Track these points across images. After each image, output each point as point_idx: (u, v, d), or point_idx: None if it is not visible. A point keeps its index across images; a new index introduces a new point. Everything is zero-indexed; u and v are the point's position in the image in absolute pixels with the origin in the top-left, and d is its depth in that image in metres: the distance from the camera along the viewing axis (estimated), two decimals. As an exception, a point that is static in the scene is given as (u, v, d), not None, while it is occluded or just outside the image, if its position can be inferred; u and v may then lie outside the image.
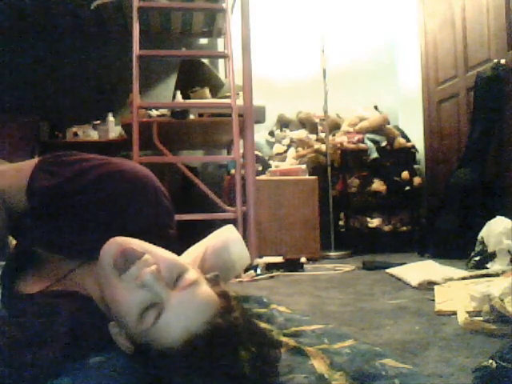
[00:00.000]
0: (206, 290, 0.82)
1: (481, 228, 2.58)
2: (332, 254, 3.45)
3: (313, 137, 4.05)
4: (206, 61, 3.84)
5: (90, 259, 0.94)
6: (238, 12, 3.17)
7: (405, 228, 3.76)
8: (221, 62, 4.39)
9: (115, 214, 0.99)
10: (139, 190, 1.00)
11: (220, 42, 4.54)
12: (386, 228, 3.73)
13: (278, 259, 2.91)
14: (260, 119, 3.40)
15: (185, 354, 0.75)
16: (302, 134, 4.11)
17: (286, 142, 4.13)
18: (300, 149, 3.99)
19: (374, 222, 3.71)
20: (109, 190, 0.98)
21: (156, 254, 0.85)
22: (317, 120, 4.14)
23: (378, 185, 3.73)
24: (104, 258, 0.85)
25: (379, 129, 3.87)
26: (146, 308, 0.78)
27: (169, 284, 0.80)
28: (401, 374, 0.94)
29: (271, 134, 4.29)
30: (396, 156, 3.83)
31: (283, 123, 4.30)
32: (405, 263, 2.64)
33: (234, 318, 0.80)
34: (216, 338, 0.76)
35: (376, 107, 4.20)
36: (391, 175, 3.77)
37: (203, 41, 4.61)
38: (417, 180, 3.82)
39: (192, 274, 0.82)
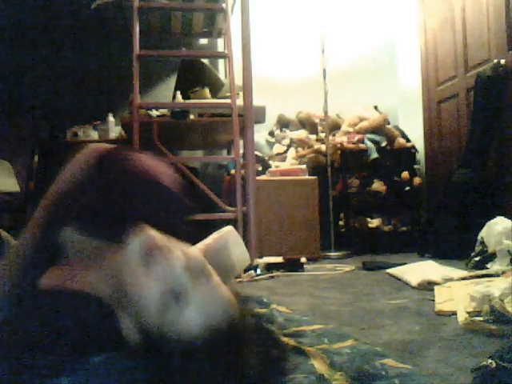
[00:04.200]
0: (225, 289, 0.84)
1: (481, 228, 2.58)
2: (332, 254, 3.45)
3: (313, 137, 4.05)
4: (206, 61, 3.84)
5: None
6: (238, 12, 3.17)
7: (405, 228, 3.75)
8: (221, 62, 4.39)
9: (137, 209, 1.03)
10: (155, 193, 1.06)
11: (220, 42, 4.54)
12: (386, 228, 3.72)
13: (278, 259, 2.91)
14: (260, 119, 3.40)
15: (201, 349, 0.76)
16: (301, 134, 4.11)
17: (286, 142, 4.12)
18: (300, 149, 3.99)
19: (374, 222, 3.71)
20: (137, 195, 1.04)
21: (182, 249, 0.87)
22: (317, 120, 4.14)
23: (378, 185, 3.72)
24: (135, 245, 0.86)
25: (379, 129, 3.87)
26: (170, 298, 0.79)
27: (194, 278, 0.81)
28: (401, 374, 0.94)
29: (271, 134, 4.29)
30: (396, 156, 3.82)
31: (283, 123, 4.29)
32: (405, 263, 2.64)
33: (249, 320, 0.82)
34: (234, 338, 0.77)
35: (376, 107, 4.20)
36: (391, 175, 3.77)
37: (203, 41, 4.61)
38: (417, 180, 3.82)
39: (213, 272, 0.85)
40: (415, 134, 4.08)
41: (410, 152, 3.89)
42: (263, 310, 1.49)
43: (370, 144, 3.76)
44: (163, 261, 0.82)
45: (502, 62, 3.02)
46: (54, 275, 1.03)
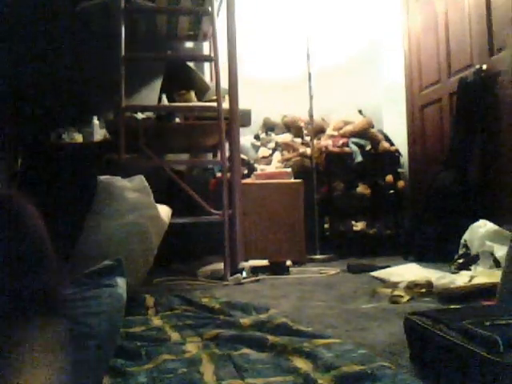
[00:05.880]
0: None
1: (464, 231, 2.61)
2: (317, 257, 3.46)
3: (298, 140, 4.07)
4: (191, 64, 3.83)
5: None
6: (224, 15, 3.17)
7: (389, 231, 3.78)
8: (206, 65, 4.39)
9: None
10: None
11: (206, 45, 4.54)
12: (371, 231, 3.75)
13: (264, 262, 2.92)
14: (246, 123, 3.41)
15: None
16: (287, 137, 4.12)
17: (272, 145, 4.14)
18: (285, 152, 4.01)
19: (359, 226, 3.73)
20: None
21: None
22: (302, 124, 4.15)
23: (362, 188, 3.75)
24: None
25: (363, 133, 3.90)
26: None
27: None
28: (399, 374, 0.96)
29: (257, 137, 4.30)
30: (380, 160, 3.85)
31: (269, 127, 4.30)
32: (389, 266, 2.67)
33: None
34: None
35: (360, 111, 4.23)
36: (375, 179, 3.80)
37: (189, 44, 4.61)
38: (400, 183, 3.85)
39: None
40: (399, 137, 4.12)
41: (394, 156, 3.93)
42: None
43: (354, 148, 3.79)
44: None
45: (484, 67, 3.07)
46: None
